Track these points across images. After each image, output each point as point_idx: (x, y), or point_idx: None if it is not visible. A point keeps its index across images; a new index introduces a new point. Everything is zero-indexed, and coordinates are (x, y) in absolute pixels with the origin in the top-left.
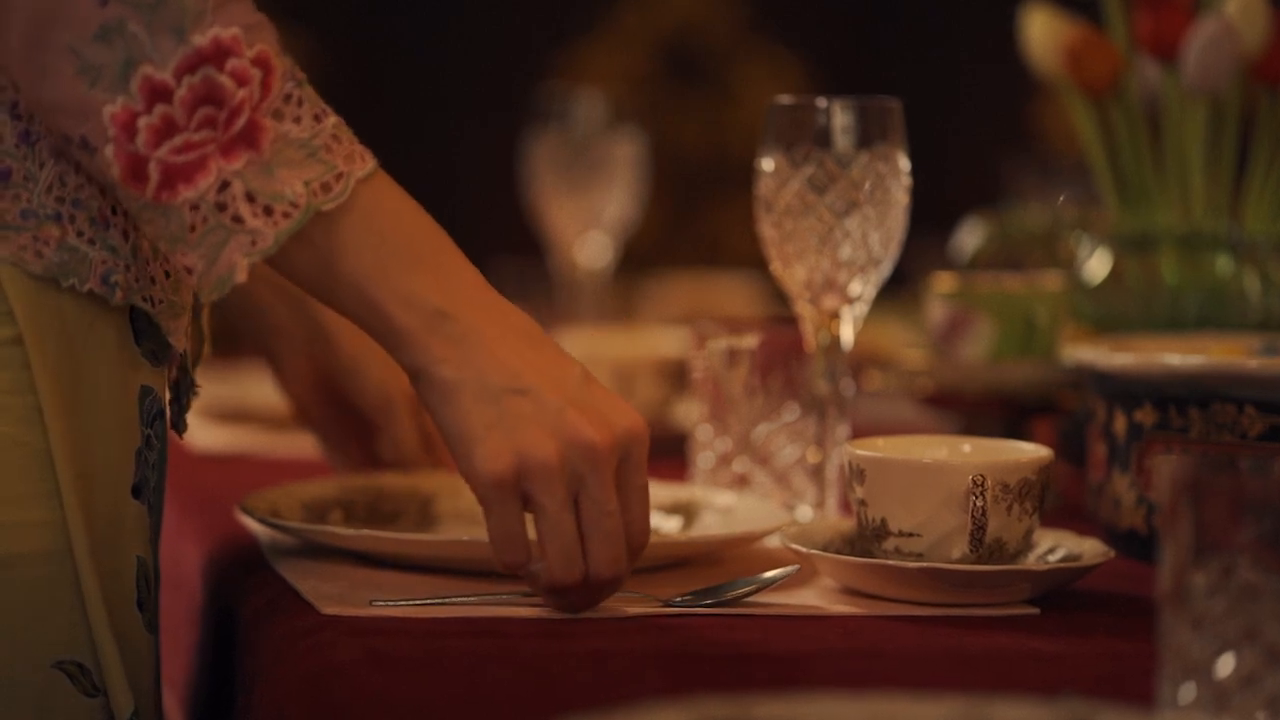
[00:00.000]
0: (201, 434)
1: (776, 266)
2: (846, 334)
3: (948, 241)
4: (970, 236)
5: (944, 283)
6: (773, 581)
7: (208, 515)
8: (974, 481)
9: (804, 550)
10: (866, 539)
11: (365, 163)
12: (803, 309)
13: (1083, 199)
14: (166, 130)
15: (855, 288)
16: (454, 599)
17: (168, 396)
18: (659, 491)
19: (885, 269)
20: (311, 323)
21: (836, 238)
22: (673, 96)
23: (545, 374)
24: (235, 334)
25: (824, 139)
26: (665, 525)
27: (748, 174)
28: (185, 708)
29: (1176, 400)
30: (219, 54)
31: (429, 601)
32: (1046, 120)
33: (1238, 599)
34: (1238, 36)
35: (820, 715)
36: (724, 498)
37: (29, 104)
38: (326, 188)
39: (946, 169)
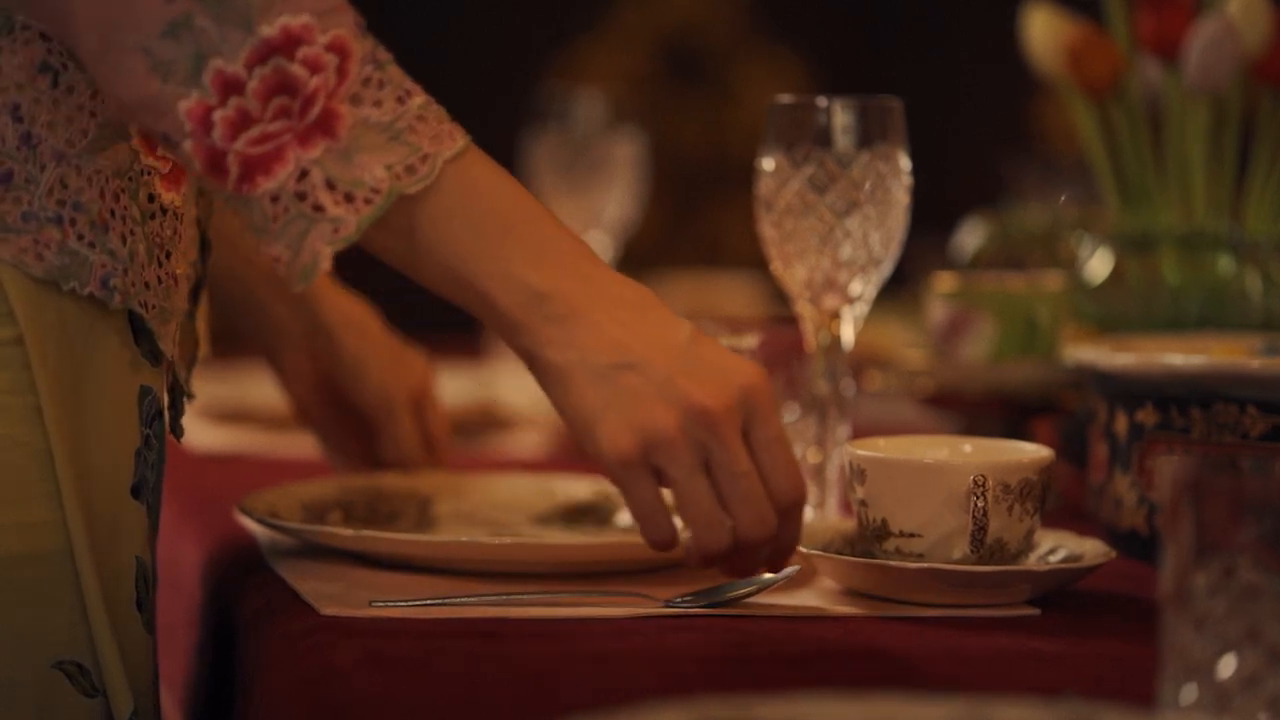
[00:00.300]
0: (201, 434)
1: (777, 266)
2: (847, 334)
3: (948, 241)
4: (971, 236)
5: (945, 283)
6: (773, 582)
7: (207, 515)
8: (975, 482)
9: (804, 551)
10: (867, 539)
11: (454, 142)
12: (803, 309)
13: (1084, 199)
14: (242, 122)
15: (856, 287)
16: (453, 600)
17: (166, 400)
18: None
19: (886, 269)
20: (313, 321)
21: (837, 237)
22: (673, 96)
23: (652, 342)
24: (235, 334)
25: (824, 138)
26: None
27: (748, 174)
28: (184, 708)
29: (1178, 400)
30: (289, 43)
31: (428, 602)
32: (1047, 120)
33: (1239, 599)
34: (1239, 36)
35: (821, 716)
36: None
37: (112, 105)
38: (411, 170)
39: (947, 169)
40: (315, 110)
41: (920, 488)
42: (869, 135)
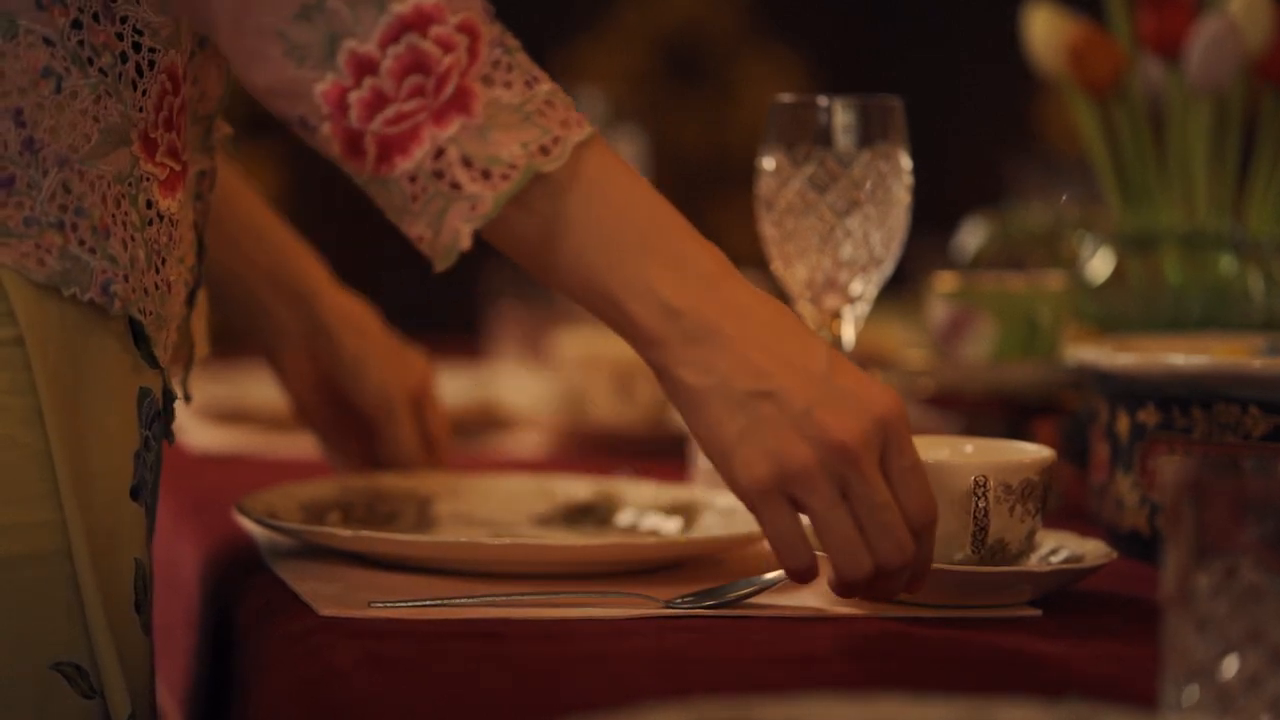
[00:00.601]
0: (199, 434)
1: (777, 266)
2: (848, 334)
3: (949, 241)
4: (972, 236)
5: (946, 282)
6: (774, 583)
7: (205, 516)
8: (976, 482)
9: None
10: None
11: (583, 128)
12: (804, 309)
13: (1085, 198)
14: (377, 103)
15: (856, 287)
16: (453, 601)
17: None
18: (658, 493)
19: (887, 268)
20: (313, 321)
21: (838, 237)
22: (673, 95)
23: (791, 369)
24: (233, 334)
25: (825, 138)
26: (665, 526)
27: (748, 173)
28: (183, 710)
29: (1179, 400)
30: (421, 21)
31: (427, 603)
32: (1049, 119)
33: (1241, 600)
34: (1241, 35)
35: (821, 717)
36: (725, 499)
37: (251, 91)
38: (545, 150)
39: (948, 168)
40: (449, 88)
41: None
42: (870, 134)
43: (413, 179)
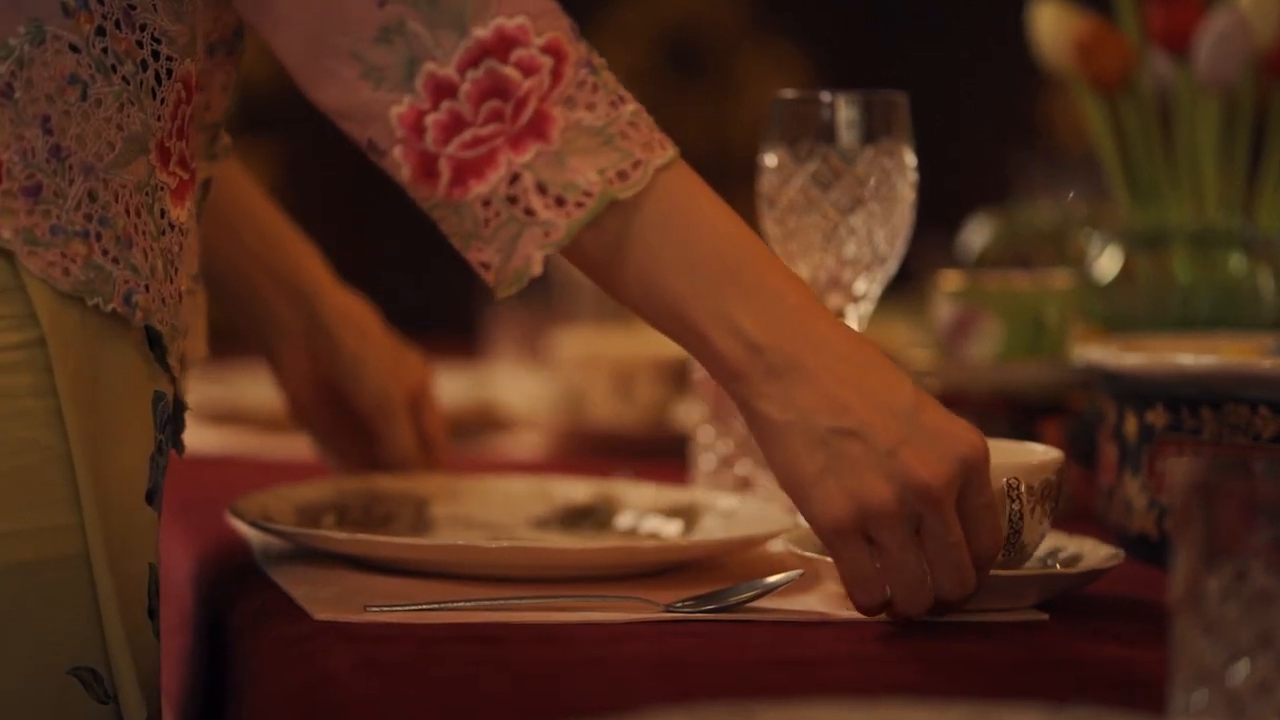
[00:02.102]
0: (193, 435)
1: None
2: None
3: (955, 239)
4: (978, 234)
5: (951, 281)
6: (776, 586)
7: (198, 518)
8: (1009, 485)
9: (808, 555)
10: None
11: (665, 150)
12: None
13: (1093, 195)
14: (455, 126)
15: (860, 286)
16: (450, 604)
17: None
18: (658, 496)
19: (891, 267)
20: (314, 320)
21: (841, 235)
22: (673, 91)
23: (875, 406)
24: (229, 334)
25: (828, 134)
26: (665, 529)
27: (750, 170)
28: (176, 715)
29: (1189, 401)
30: (502, 45)
31: (424, 607)
32: (1056, 115)
33: (1251, 604)
34: (1250, 30)
35: None
36: (726, 501)
37: (317, 107)
38: (623, 175)
39: (953, 164)
40: (527, 113)
41: None
42: (873, 130)
43: (486, 203)
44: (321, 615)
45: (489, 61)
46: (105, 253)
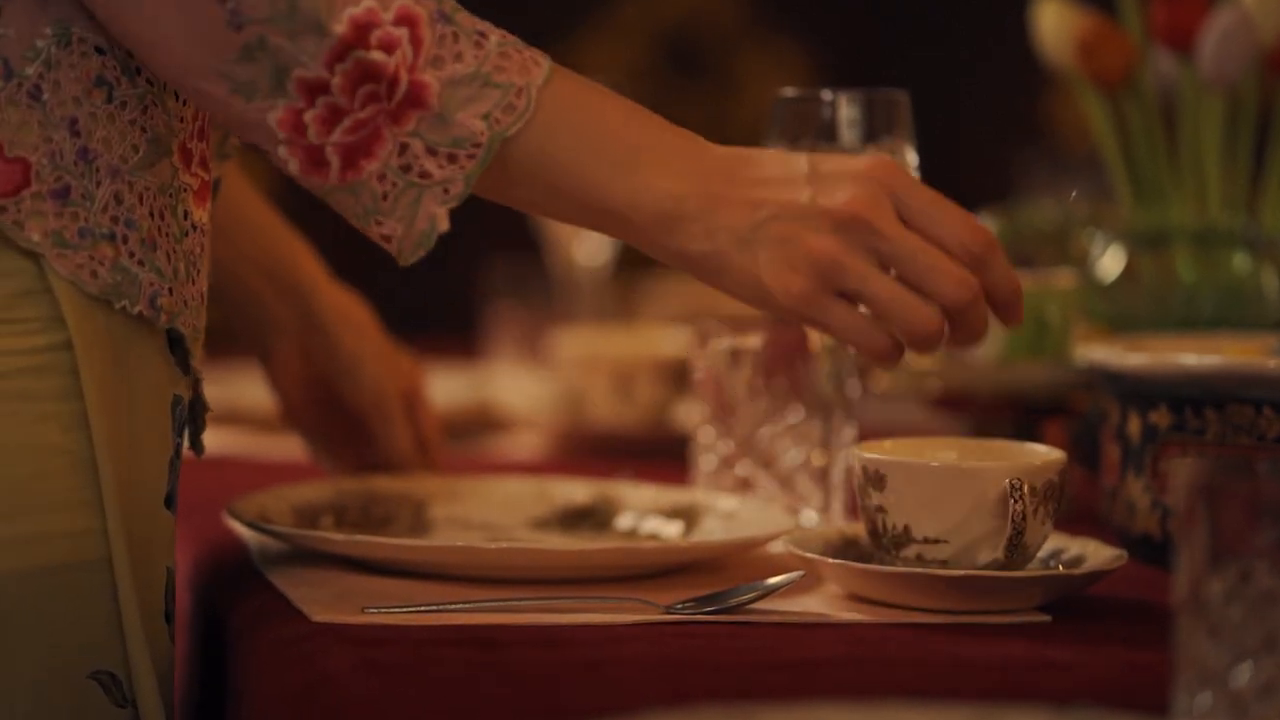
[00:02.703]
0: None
1: None
2: None
3: None
4: None
5: None
6: (776, 588)
7: (195, 519)
8: (1011, 486)
9: (809, 556)
10: (882, 546)
11: (540, 67)
12: None
13: (1095, 194)
14: (333, 117)
15: None
16: (449, 606)
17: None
18: (658, 496)
19: None
20: (310, 318)
21: None
22: (674, 89)
23: (778, 185)
24: (227, 335)
25: (829, 132)
26: (665, 530)
27: None
28: (175, 718)
29: (1192, 401)
30: (359, 33)
31: (423, 608)
32: (1058, 113)
33: (1255, 606)
34: (1255, 27)
35: None
36: (727, 502)
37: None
38: (510, 109)
39: (954, 163)
40: (401, 87)
41: (950, 493)
42: (875, 129)
43: (381, 178)
44: (319, 617)
45: (353, 54)
46: (132, 255)
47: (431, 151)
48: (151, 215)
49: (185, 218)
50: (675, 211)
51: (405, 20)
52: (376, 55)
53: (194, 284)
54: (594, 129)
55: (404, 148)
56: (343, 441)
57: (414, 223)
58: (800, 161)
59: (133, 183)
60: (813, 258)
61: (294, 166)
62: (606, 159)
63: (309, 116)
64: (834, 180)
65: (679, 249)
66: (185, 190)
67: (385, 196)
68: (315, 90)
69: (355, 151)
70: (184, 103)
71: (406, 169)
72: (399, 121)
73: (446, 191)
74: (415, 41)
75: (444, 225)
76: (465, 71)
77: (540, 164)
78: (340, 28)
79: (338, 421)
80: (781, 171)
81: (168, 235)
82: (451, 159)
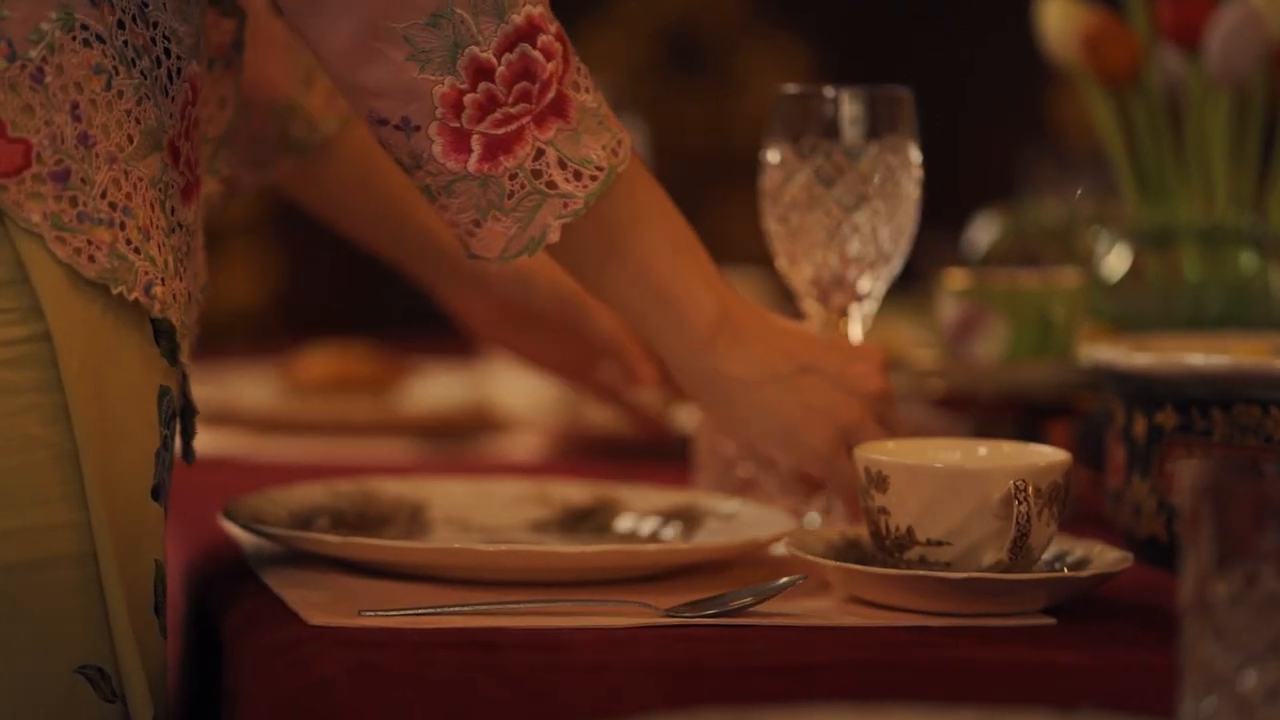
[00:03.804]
0: None
1: (783, 263)
2: (855, 333)
3: (960, 237)
4: (984, 231)
5: (956, 280)
6: (778, 591)
7: (189, 521)
8: (1016, 487)
9: (811, 558)
10: (885, 548)
11: (626, 133)
12: (810, 307)
13: (1101, 192)
14: (489, 105)
15: (864, 285)
16: (446, 609)
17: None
18: (658, 498)
19: (895, 265)
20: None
21: (845, 233)
22: (674, 86)
23: (807, 343)
24: (222, 335)
25: (832, 130)
26: (666, 532)
27: (752, 166)
28: None
29: (1199, 402)
30: (532, 31)
31: (420, 612)
32: (1063, 111)
33: (1262, 609)
34: (1262, 24)
35: None
36: (727, 504)
37: (343, 91)
38: (614, 153)
39: (958, 161)
40: (551, 94)
41: (953, 494)
42: (878, 126)
43: (513, 177)
44: (315, 620)
45: (523, 46)
46: (129, 242)
47: (562, 164)
48: (145, 206)
49: (173, 214)
50: (725, 329)
51: (561, 38)
52: (539, 56)
53: (180, 280)
54: (667, 210)
55: (540, 153)
56: (551, 350)
57: (528, 226)
58: (806, 325)
59: (129, 171)
60: (844, 418)
61: (437, 147)
62: (677, 245)
63: (469, 99)
64: (851, 354)
65: (716, 367)
66: (173, 187)
67: (511, 195)
68: (481, 74)
69: (497, 146)
70: (172, 99)
71: (537, 174)
72: (542, 126)
73: (565, 205)
74: (566, 60)
75: (554, 237)
76: (591, 104)
77: (629, 229)
78: (518, 18)
79: (535, 334)
80: (800, 331)
81: (159, 228)
82: (578, 176)
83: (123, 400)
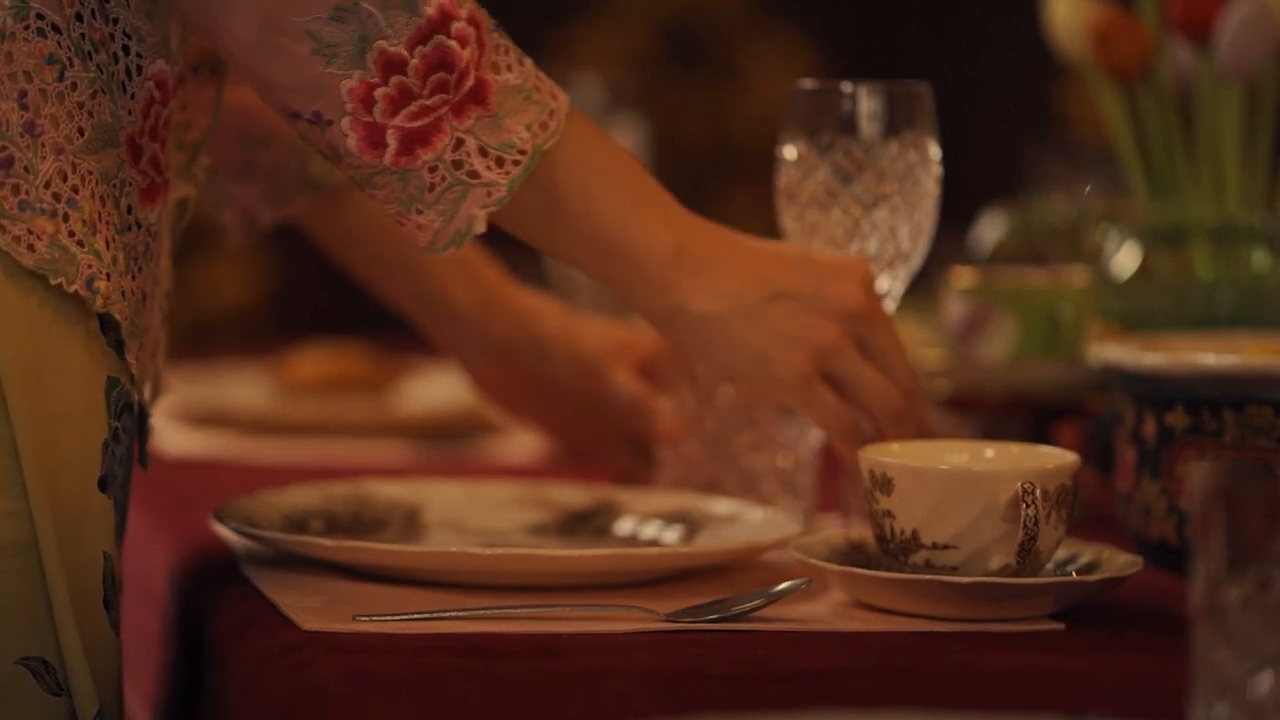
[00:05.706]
0: (175, 438)
1: None
2: None
3: (967, 234)
4: (991, 229)
5: (963, 278)
6: (780, 595)
7: (180, 524)
8: (1023, 489)
9: (814, 562)
10: (890, 552)
11: (563, 96)
12: None
13: (1110, 189)
14: (402, 99)
15: (883, 284)
16: (442, 614)
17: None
18: (659, 501)
19: (914, 264)
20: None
21: (864, 231)
22: (674, 80)
23: (779, 265)
24: (214, 335)
25: (849, 126)
26: (666, 536)
27: (754, 162)
28: None
29: (1210, 402)
30: (444, 20)
31: (416, 616)
32: (1072, 106)
33: (1274, 614)
34: (1274, 17)
35: None
36: (729, 507)
37: (255, 86)
38: (544, 127)
39: (965, 157)
40: (469, 82)
41: (959, 497)
42: (896, 122)
43: (433, 169)
44: (309, 625)
45: (436, 37)
46: (71, 234)
47: (483, 152)
48: (94, 200)
49: (129, 212)
50: (685, 264)
51: (474, 21)
52: (454, 45)
53: (133, 279)
54: (613, 165)
55: (459, 143)
56: (570, 420)
57: (453, 219)
58: (788, 247)
59: (76, 164)
60: (819, 340)
61: (352, 142)
62: (627, 194)
63: (380, 93)
64: (834, 274)
65: (679, 304)
66: (130, 185)
67: (432, 188)
68: (393, 67)
69: (414, 139)
70: (131, 96)
71: (458, 165)
72: (460, 116)
73: (490, 194)
74: (480, 43)
75: (481, 227)
76: (515, 82)
77: (569, 190)
78: (430, 10)
79: (553, 403)
80: (776, 252)
81: (108, 224)
82: (499, 162)
83: (63, 389)
